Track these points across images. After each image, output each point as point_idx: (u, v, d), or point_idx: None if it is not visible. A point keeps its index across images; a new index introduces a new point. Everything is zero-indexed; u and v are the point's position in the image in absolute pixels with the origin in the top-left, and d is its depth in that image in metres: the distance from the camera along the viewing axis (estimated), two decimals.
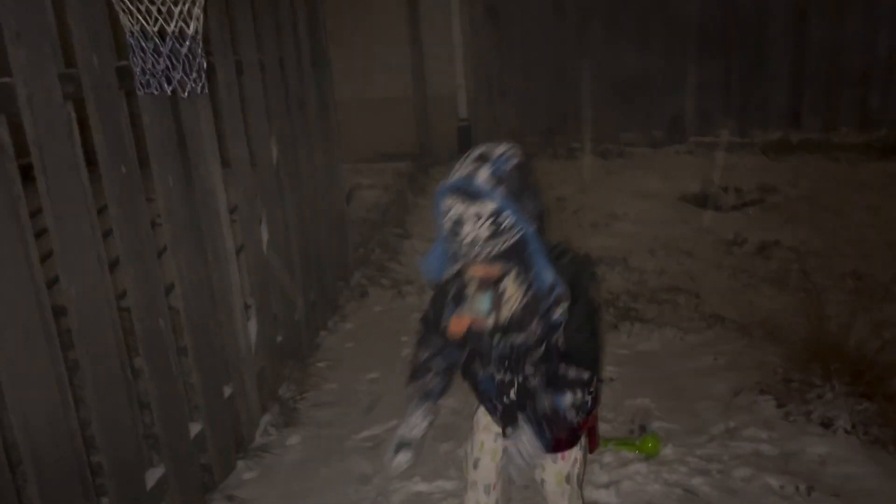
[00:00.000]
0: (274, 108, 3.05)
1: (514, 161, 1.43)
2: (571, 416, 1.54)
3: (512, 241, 1.41)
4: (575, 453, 1.71)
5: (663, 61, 6.25)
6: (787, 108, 6.19)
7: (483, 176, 1.39)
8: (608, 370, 3.03)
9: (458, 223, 1.40)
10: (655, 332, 3.33)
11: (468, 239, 1.40)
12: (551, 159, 6.27)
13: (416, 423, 1.67)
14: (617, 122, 6.44)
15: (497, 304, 1.54)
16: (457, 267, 1.52)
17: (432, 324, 1.67)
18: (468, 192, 1.40)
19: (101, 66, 1.84)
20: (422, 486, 2.33)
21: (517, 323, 1.52)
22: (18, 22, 1.57)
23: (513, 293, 1.52)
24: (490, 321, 1.55)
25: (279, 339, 3.00)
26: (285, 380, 2.98)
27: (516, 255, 1.44)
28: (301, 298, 3.23)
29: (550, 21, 6.33)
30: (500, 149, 1.44)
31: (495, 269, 1.48)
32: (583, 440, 1.74)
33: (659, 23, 6.24)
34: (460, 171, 1.42)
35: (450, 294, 1.60)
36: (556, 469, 1.71)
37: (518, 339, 1.54)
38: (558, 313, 1.48)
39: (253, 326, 2.74)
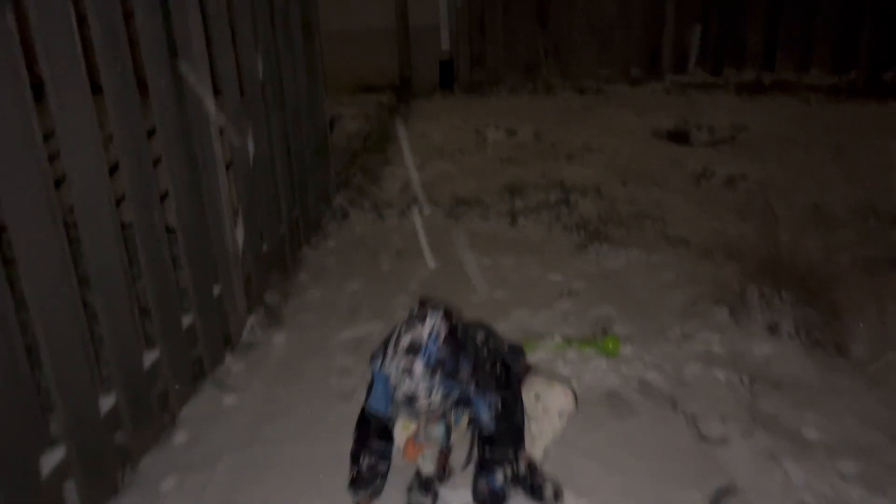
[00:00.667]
0: (259, 25, 3.11)
1: (443, 334, 1.59)
2: (507, 489, 1.78)
3: (455, 397, 1.65)
4: None
5: (642, 1, 6.32)
6: (761, 50, 6.30)
7: (419, 370, 1.56)
8: (575, 284, 3.22)
9: (410, 399, 1.59)
10: (622, 253, 3.52)
11: (422, 406, 1.61)
12: (531, 94, 6.37)
13: None
14: (595, 60, 6.53)
15: (449, 432, 1.80)
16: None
17: (375, 428, 1.82)
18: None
19: None
20: None
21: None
22: None
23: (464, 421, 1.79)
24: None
25: (265, 248, 3.13)
26: (270, 287, 3.13)
27: (462, 401, 1.70)
28: (285, 213, 3.36)
29: None
30: (426, 328, 1.59)
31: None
32: None
33: None
34: (396, 362, 1.58)
35: (397, 397, 1.65)
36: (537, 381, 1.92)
37: None
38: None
39: (240, 233, 2.87)
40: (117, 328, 2.01)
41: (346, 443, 2.02)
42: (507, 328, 2.79)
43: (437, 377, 1.58)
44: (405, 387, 1.58)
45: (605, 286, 3.21)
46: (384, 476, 1.88)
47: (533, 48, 6.64)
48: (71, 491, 1.85)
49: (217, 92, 2.64)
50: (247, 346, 2.76)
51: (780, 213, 3.93)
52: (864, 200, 4.01)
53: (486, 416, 1.71)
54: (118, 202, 2.02)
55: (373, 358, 1.66)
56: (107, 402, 1.98)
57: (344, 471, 1.90)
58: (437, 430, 1.79)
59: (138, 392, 2.10)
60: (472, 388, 1.67)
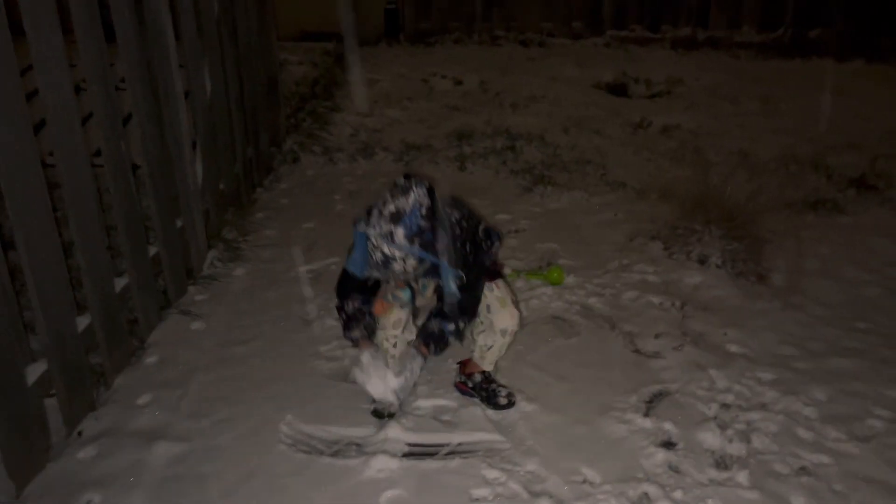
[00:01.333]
0: None
1: (424, 209, 1.73)
2: (451, 338, 1.96)
3: (428, 266, 1.80)
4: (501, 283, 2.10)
5: None
6: (696, 7, 6.55)
7: (399, 236, 1.71)
8: (522, 223, 3.41)
9: (387, 260, 1.74)
10: (565, 194, 3.72)
11: (397, 268, 1.75)
12: (477, 45, 6.46)
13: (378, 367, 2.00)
14: (539, 13, 6.66)
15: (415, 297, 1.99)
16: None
17: (355, 279, 1.95)
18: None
19: None
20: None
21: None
22: None
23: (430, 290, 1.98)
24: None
25: (222, 186, 3.19)
26: (228, 224, 3.20)
27: (431, 272, 1.84)
28: (240, 152, 3.41)
29: None
30: (410, 201, 1.72)
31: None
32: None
33: None
34: (379, 225, 1.72)
35: (375, 257, 1.78)
36: (496, 295, 2.07)
37: None
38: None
39: (199, 169, 2.93)
40: (91, 255, 2.08)
41: (311, 361, 2.17)
42: None
43: (415, 246, 1.73)
44: (384, 249, 1.72)
45: (550, 224, 3.40)
46: (372, 320, 2.02)
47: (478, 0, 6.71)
48: (53, 408, 1.94)
49: (176, 27, 2.67)
50: (209, 278, 2.84)
51: (710, 158, 4.19)
52: (787, 148, 4.32)
53: (451, 286, 1.86)
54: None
55: (356, 221, 1.79)
56: (82, 322, 2.06)
57: (310, 384, 2.04)
58: (405, 294, 1.97)
59: (111, 314, 2.18)
60: (444, 260, 1.81)
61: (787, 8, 6.51)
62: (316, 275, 2.92)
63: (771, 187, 3.70)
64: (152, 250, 2.51)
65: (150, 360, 2.33)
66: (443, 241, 1.80)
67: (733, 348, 2.43)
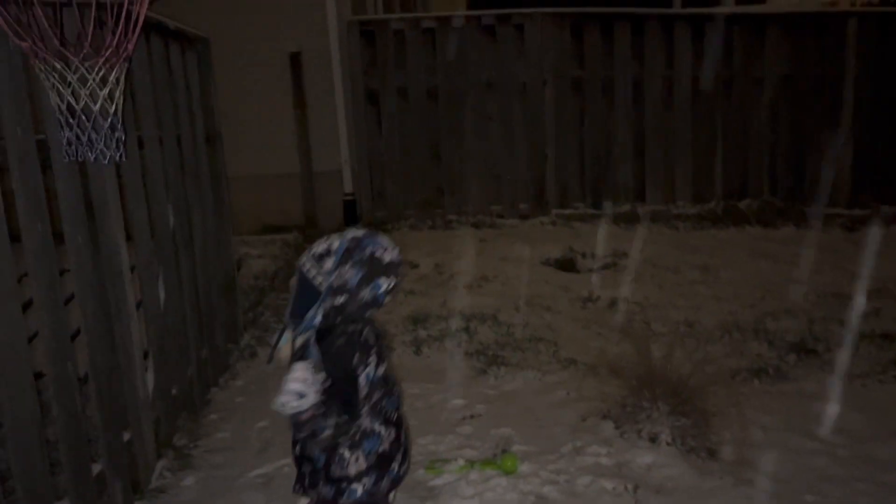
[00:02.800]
0: (171, 179, 3.35)
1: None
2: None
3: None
4: None
5: (525, 143, 7.00)
6: (632, 185, 7.05)
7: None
8: (477, 408, 3.44)
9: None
10: (518, 374, 3.79)
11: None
12: (430, 230, 6.79)
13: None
14: (488, 197, 7.08)
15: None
16: None
17: None
18: None
19: (24, 137, 2.13)
20: None
21: None
22: None
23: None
24: None
25: (174, 391, 3.20)
26: (179, 430, 3.18)
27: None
28: (193, 355, 3.46)
29: (425, 105, 6.95)
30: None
31: None
32: None
33: (519, 108, 7.00)
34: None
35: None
36: None
37: None
38: None
39: (150, 378, 2.96)
40: (28, 479, 2.05)
41: None
42: (413, 455, 2.94)
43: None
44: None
45: (504, 407, 3.44)
46: None
47: (429, 186, 7.12)
48: None
49: (129, 238, 2.81)
50: (156, 491, 2.78)
51: (656, 330, 4.35)
52: (729, 315, 4.51)
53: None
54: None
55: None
56: None
57: None
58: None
59: None
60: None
61: (716, 182, 7.05)
62: (267, 479, 2.87)
63: (716, 356, 3.83)
64: (96, 468, 2.48)
65: None
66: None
67: None
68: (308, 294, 1.94)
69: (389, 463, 2.03)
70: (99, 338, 2.52)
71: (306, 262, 1.97)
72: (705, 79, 6.87)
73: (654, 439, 2.99)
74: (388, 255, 1.98)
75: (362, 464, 1.97)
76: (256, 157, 6.63)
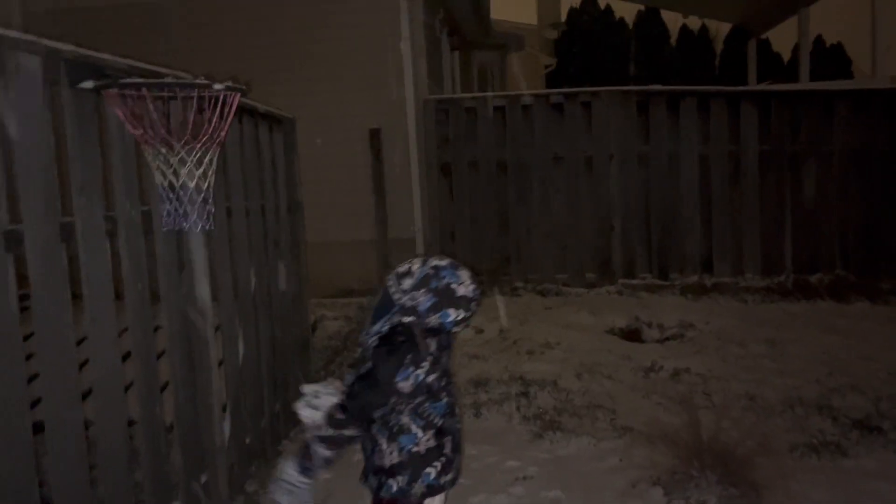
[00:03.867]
0: (254, 245, 3.70)
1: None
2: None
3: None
4: None
5: (591, 214, 7.18)
6: (700, 257, 7.08)
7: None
8: (530, 470, 3.55)
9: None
10: (574, 440, 3.88)
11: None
12: (497, 296, 6.98)
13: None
14: (554, 266, 7.25)
15: None
16: None
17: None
18: None
19: (132, 209, 2.49)
20: None
21: None
22: (83, 177, 2.24)
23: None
24: None
25: (247, 440, 3.47)
26: (251, 476, 3.43)
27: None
28: (267, 408, 3.74)
29: (494, 178, 7.27)
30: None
31: None
32: None
33: (585, 180, 7.22)
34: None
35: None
36: None
37: None
38: None
39: (227, 426, 3.23)
40: None
41: None
42: None
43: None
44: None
45: (557, 472, 3.53)
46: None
47: (498, 254, 7.37)
48: None
49: (214, 299, 3.14)
50: None
51: (716, 401, 4.35)
52: (793, 390, 4.47)
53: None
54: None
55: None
56: None
57: None
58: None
59: None
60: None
61: (786, 256, 6.99)
62: None
63: (775, 430, 3.82)
64: None
65: None
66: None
67: None
68: (387, 307, 2.13)
69: (424, 466, 2.10)
70: (184, 389, 2.82)
71: (390, 278, 2.16)
72: (772, 153, 6.92)
73: None
74: (463, 289, 2.11)
75: (395, 457, 2.10)
76: (336, 224, 7.06)
